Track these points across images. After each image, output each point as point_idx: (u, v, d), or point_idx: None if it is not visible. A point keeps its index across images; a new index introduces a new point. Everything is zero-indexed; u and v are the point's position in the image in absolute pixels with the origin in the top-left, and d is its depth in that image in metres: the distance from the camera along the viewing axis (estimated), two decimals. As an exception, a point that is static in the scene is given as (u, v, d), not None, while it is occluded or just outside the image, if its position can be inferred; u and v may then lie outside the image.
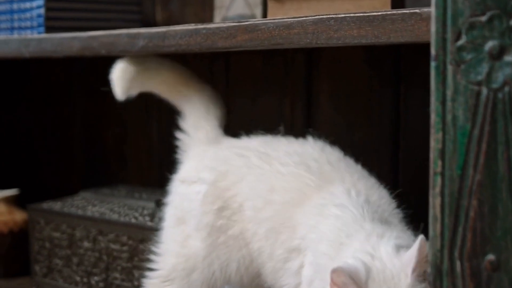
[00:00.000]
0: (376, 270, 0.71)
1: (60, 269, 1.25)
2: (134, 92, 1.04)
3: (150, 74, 1.04)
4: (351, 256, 0.74)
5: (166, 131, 1.43)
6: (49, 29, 1.19)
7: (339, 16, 0.79)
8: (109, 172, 1.53)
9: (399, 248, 0.73)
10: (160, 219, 1.15)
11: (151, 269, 0.98)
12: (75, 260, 1.23)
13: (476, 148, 0.64)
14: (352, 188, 0.83)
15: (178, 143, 1.03)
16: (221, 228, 0.92)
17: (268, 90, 1.29)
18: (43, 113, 1.64)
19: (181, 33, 0.94)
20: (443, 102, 0.66)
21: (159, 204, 1.20)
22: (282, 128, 0.97)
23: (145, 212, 1.18)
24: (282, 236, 0.85)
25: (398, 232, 0.78)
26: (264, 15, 1.14)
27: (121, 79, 1.02)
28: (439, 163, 0.66)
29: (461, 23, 0.64)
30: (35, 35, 1.15)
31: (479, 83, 0.64)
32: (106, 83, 1.52)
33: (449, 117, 0.65)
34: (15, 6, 1.24)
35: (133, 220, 1.16)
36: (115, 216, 1.18)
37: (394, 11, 0.75)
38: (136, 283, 1.15)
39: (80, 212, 1.22)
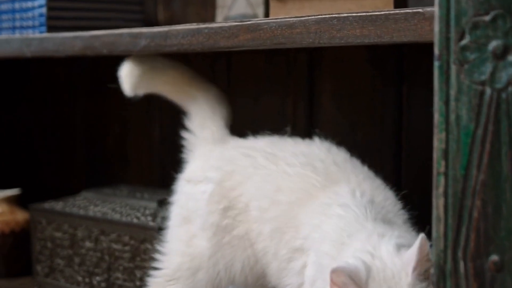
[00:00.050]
0: (377, 269, 0.71)
1: (62, 269, 1.25)
2: (141, 91, 1.04)
3: (156, 74, 1.04)
4: (351, 256, 0.74)
5: (168, 131, 1.43)
6: (51, 28, 1.19)
7: (342, 15, 0.79)
8: (110, 172, 1.53)
9: (400, 247, 0.73)
10: (162, 219, 1.15)
11: (155, 268, 0.98)
12: (77, 260, 1.23)
13: (479, 148, 0.64)
14: (357, 188, 0.83)
15: (184, 142, 1.03)
16: (226, 228, 0.92)
17: (270, 90, 1.28)
18: (45, 113, 1.64)
19: (183, 32, 0.93)
20: (446, 102, 0.65)
21: (162, 203, 1.20)
22: (288, 129, 0.97)
23: (147, 212, 1.18)
24: (286, 236, 0.85)
25: (400, 231, 0.78)
26: (266, 14, 1.14)
27: (130, 76, 1.02)
28: (443, 163, 0.66)
29: (464, 23, 0.64)
30: (37, 35, 1.15)
31: (482, 83, 0.63)
32: (108, 82, 1.52)
33: (452, 117, 0.65)
34: (17, 5, 1.24)
35: (135, 220, 1.16)
36: (117, 216, 1.18)
37: (397, 11, 0.75)
38: (138, 283, 1.15)
39: (82, 212, 1.22)
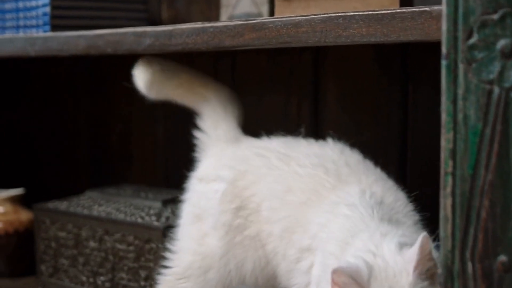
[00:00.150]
0: (378, 268, 0.70)
1: (66, 269, 1.25)
2: (154, 93, 1.04)
3: (168, 78, 1.05)
4: (353, 255, 0.73)
5: (172, 130, 1.43)
6: (54, 27, 1.18)
7: (348, 14, 0.79)
8: (114, 171, 1.53)
9: (402, 245, 0.72)
10: (167, 219, 1.15)
11: (166, 266, 0.98)
12: (81, 260, 1.23)
13: (488, 148, 0.64)
14: (367, 189, 0.83)
15: (196, 142, 1.03)
16: (238, 228, 0.92)
17: (274, 89, 1.28)
18: (48, 112, 1.64)
19: (188, 31, 0.93)
20: (454, 101, 0.65)
21: (167, 203, 1.20)
22: (302, 129, 0.97)
23: (151, 211, 1.18)
24: (295, 236, 0.86)
25: (405, 231, 0.78)
26: (271, 13, 1.13)
27: (144, 73, 1.03)
28: (450, 163, 0.66)
29: (472, 21, 0.63)
30: (41, 34, 1.15)
31: (490, 82, 0.63)
32: (111, 82, 1.52)
33: (460, 116, 0.65)
34: (20, 4, 1.24)
35: (139, 220, 1.15)
36: (121, 216, 1.18)
37: (404, 9, 0.75)
38: (142, 283, 1.15)
39: (86, 211, 1.22)
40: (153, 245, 1.13)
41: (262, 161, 0.92)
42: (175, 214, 1.17)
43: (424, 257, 0.69)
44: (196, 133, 1.03)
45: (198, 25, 0.92)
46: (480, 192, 0.64)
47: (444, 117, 0.66)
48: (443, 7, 0.65)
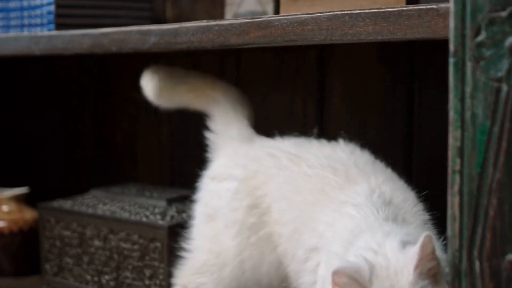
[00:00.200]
0: (380, 266, 0.70)
1: (71, 268, 1.25)
2: (163, 101, 1.06)
3: (177, 84, 1.06)
4: (354, 254, 0.73)
5: (177, 129, 1.43)
6: (59, 26, 1.18)
7: (354, 12, 0.78)
8: (119, 170, 1.53)
9: (405, 244, 0.72)
10: (171, 217, 1.15)
11: (182, 263, 0.99)
12: (85, 259, 1.22)
13: (496, 146, 0.63)
14: (376, 189, 0.83)
15: (208, 142, 1.04)
16: (252, 227, 0.92)
17: (279, 88, 1.28)
18: (53, 112, 1.64)
19: (193, 29, 0.93)
20: (462, 99, 0.65)
21: (171, 202, 1.20)
22: (315, 130, 0.97)
23: (156, 210, 1.18)
24: (303, 236, 0.86)
25: (410, 230, 0.77)
26: (276, 11, 1.13)
27: (152, 81, 1.05)
28: (458, 161, 0.65)
29: (480, 19, 0.63)
30: (45, 32, 1.15)
31: (499, 80, 0.63)
32: (116, 81, 1.52)
33: (468, 114, 0.64)
34: (25, 3, 1.23)
35: (144, 219, 1.15)
36: (126, 215, 1.17)
37: (411, 7, 0.74)
38: (147, 282, 1.14)
39: (90, 210, 1.22)
40: (158, 244, 1.12)
41: (273, 162, 0.93)
42: (180, 213, 1.17)
43: (425, 257, 0.68)
44: (207, 134, 1.04)
45: (203, 23, 0.92)
46: (488, 190, 0.64)
47: (451, 115, 0.65)
48: (451, 5, 0.64)
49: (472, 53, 0.63)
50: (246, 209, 0.92)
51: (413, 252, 0.69)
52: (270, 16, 0.89)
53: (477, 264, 0.65)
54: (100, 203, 1.24)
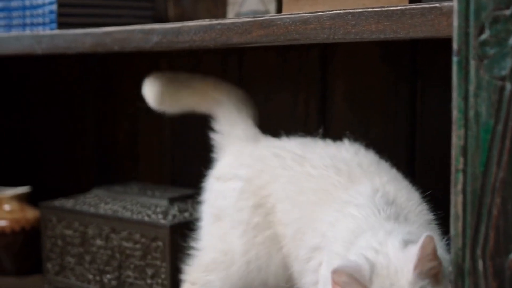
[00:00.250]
0: (381, 265, 0.69)
1: (73, 267, 1.25)
2: (166, 106, 1.07)
3: (179, 86, 1.07)
4: (354, 253, 0.73)
5: (179, 128, 1.43)
6: (61, 25, 1.18)
7: (357, 11, 0.78)
8: (121, 169, 1.53)
9: (407, 243, 0.72)
10: (173, 217, 1.15)
11: (191, 260, 1.00)
12: (87, 258, 1.22)
13: (499, 145, 0.63)
14: (379, 189, 0.83)
15: (213, 143, 1.04)
16: (257, 227, 0.93)
17: (281, 87, 1.28)
18: (55, 111, 1.64)
19: (195, 28, 0.93)
20: (465, 98, 0.64)
21: (173, 201, 1.20)
22: (321, 130, 0.97)
23: (158, 209, 1.18)
24: (306, 236, 0.86)
25: (413, 229, 0.77)
26: (278, 11, 1.13)
27: (154, 87, 1.06)
28: (461, 160, 0.65)
29: (484, 17, 0.63)
30: (48, 31, 1.14)
31: (502, 78, 0.62)
32: (117, 80, 1.52)
33: (471, 113, 0.64)
34: (27, 2, 1.23)
35: (146, 218, 1.15)
36: (127, 214, 1.17)
37: (414, 5, 0.74)
38: (149, 281, 1.14)
39: (92, 209, 1.22)
40: (160, 243, 1.12)
41: (278, 162, 0.93)
42: (181, 212, 1.17)
43: (425, 257, 0.68)
44: (212, 135, 1.04)
45: (206, 22, 0.92)
46: (492, 189, 0.64)
47: (455, 113, 0.65)
48: (454, 3, 0.64)
49: (476, 52, 0.63)
50: (252, 208, 0.93)
51: (413, 252, 0.69)
52: (273, 15, 0.88)
53: (480, 263, 0.65)
54: (102, 202, 1.24)
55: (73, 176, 1.61)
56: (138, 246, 1.15)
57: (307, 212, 0.87)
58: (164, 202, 1.20)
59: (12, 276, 1.40)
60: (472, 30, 0.63)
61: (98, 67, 1.55)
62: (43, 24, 1.20)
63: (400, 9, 0.75)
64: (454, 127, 0.65)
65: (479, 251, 0.65)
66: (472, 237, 0.65)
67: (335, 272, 0.68)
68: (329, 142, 0.94)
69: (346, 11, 0.79)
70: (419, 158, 1.14)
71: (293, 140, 0.97)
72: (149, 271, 1.14)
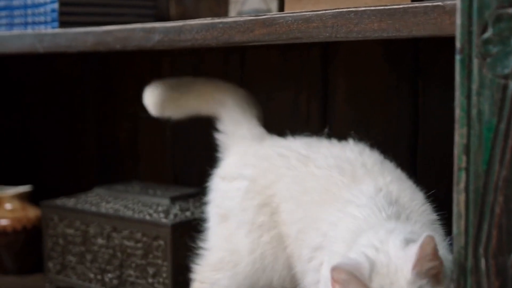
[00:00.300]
0: (381, 263, 0.69)
1: (74, 266, 1.25)
2: (171, 112, 1.08)
3: (181, 91, 1.07)
4: (355, 251, 0.73)
5: (179, 128, 1.43)
6: (63, 24, 1.18)
7: (359, 9, 0.78)
8: (122, 168, 1.53)
9: (409, 242, 0.71)
10: (175, 216, 1.14)
11: (199, 260, 1.00)
12: (88, 257, 1.22)
13: (502, 143, 0.63)
14: (383, 188, 0.82)
15: (218, 143, 1.04)
16: (262, 226, 0.93)
17: (283, 86, 1.27)
18: (56, 110, 1.64)
19: (197, 27, 0.92)
20: (468, 97, 0.64)
21: (175, 200, 1.20)
22: (327, 130, 0.97)
23: (160, 208, 1.18)
24: (308, 235, 0.85)
25: (415, 228, 0.77)
26: (280, 9, 1.13)
27: (154, 95, 1.07)
28: (464, 158, 0.65)
29: (487, 16, 0.63)
30: (49, 30, 1.14)
31: (506, 77, 0.62)
32: (118, 80, 1.52)
33: (474, 111, 0.64)
34: (29, 1, 1.23)
35: (147, 217, 1.15)
36: (129, 213, 1.17)
37: (416, 4, 0.74)
38: (150, 280, 1.14)
39: (93, 208, 1.22)
40: (161, 242, 1.12)
41: (282, 161, 0.93)
42: (183, 211, 1.17)
43: (424, 256, 0.68)
44: (217, 135, 1.04)
45: (208, 20, 0.92)
46: (494, 187, 0.64)
47: (458, 112, 0.65)
48: (457, 1, 0.64)
49: (479, 50, 0.63)
50: (257, 208, 0.93)
51: (412, 251, 0.69)
52: (275, 13, 0.88)
53: (483, 261, 0.65)
54: (103, 201, 1.24)
55: (74, 175, 1.61)
56: (139, 245, 1.15)
57: (310, 212, 0.87)
58: (165, 201, 1.20)
59: (13, 275, 1.40)
60: (475, 28, 0.63)
61: (99, 66, 1.55)
62: (45, 22, 1.20)
63: (403, 7, 0.75)
64: (457, 126, 0.65)
65: (481, 250, 0.65)
66: (474, 235, 0.65)
67: (335, 269, 0.68)
68: (334, 142, 0.94)
69: (348, 9, 0.79)
70: (420, 157, 1.14)
71: (298, 139, 0.97)
72: (151, 270, 1.14)
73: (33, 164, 1.68)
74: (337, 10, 0.80)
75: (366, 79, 1.19)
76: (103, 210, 1.20)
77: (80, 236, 1.23)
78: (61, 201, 1.28)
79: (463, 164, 0.65)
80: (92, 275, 1.22)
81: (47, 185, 1.58)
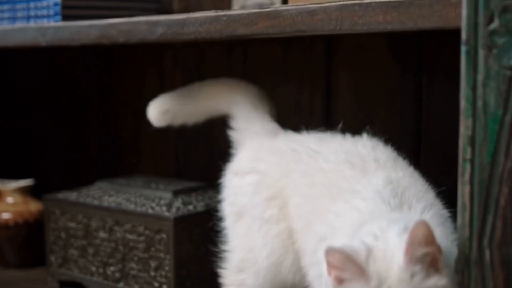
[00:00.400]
0: (378, 249, 0.69)
1: (76, 260, 1.25)
2: (180, 121, 1.09)
3: (191, 98, 1.07)
4: (355, 240, 0.72)
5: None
6: (65, 17, 1.18)
7: (364, 1, 0.78)
8: (125, 162, 1.53)
9: (408, 229, 0.71)
10: (177, 209, 1.14)
11: (224, 264, 1.00)
12: (91, 250, 1.22)
13: (507, 135, 0.63)
14: (392, 181, 0.82)
15: (232, 140, 1.04)
16: (271, 219, 0.93)
17: (286, 80, 1.27)
18: (59, 103, 1.64)
19: (201, 20, 0.92)
20: (473, 88, 0.64)
21: (177, 194, 1.19)
22: (340, 125, 0.96)
23: (162, 202, 1.17)
24: (314, 228, 0.85)
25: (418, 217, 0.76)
26: (284, 2, 1.13)
27: (161, 111, 1.08)
28: (469, 150, 0.65)
29: (494, 6, 0.63)
30: (52, 23, 1.14)
31: (511, 68, 0.62)
32: (121, 74, 1.52)
33: (479, 103, 0.64)
34: (31, -6, 1.23)
35: (149, 210, 1.15)
36: (131, 206, 1.17)
37: (421, -4, 0.74)
38: (152, 273, 1.14)
39: (96, 202, 1.22)
40: (164, 236, 1.12)
41: (293, 156, 0.93)
42: (185, 205, 1.17)
43: (416, 242, 0.67)
44: (231, 133, 1.04)
45: (212, 13, 0.92)
46: (499, 179, 0.64)
47: (463, 103, 0.65)
48: (463, -7, 0.64)
49: (485, 41, 0.63)
50: (266, 201, 0.93)
51: (405, 237, 0.68)
52: (279, 6, 0.88)
53: (487, 253, 0.65)
54: (105, 194, 1.24)
55: (77, 169, 1.61)
56: (141, 238, 1.15)
57: (317, 206, 0.87)
58: (168, 195, 1.20)
59: (15, 269, 1.40)
60: (481, 19, 0.63)
61: (102, 60, 1.55)
62: (48, 16, 1.20)
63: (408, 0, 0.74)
64: (462, 117, 0.65)
65: (486, 241, 0.65)
66: (479, 227, 0.65)
67: (328, 251, 0.68)
68: (347, 137, 0.94)
69: (353, 2, 0.79)
70: (424, 151, 1.14)
71: (312, 135, 0.97)
72: (153, 264, 1.14)
73: (35, 158, 1.68)
74: (341, 2, 0.80)
75: (370, 74, 1.19)
76: (105, 203, 1.20)
77: (82, 229, 1.23)
78: (63, 195, 1.27)
79: (468, 156, 0.65)
80: (94, 269, 1.22)
81: (49, 179, 1.58)
